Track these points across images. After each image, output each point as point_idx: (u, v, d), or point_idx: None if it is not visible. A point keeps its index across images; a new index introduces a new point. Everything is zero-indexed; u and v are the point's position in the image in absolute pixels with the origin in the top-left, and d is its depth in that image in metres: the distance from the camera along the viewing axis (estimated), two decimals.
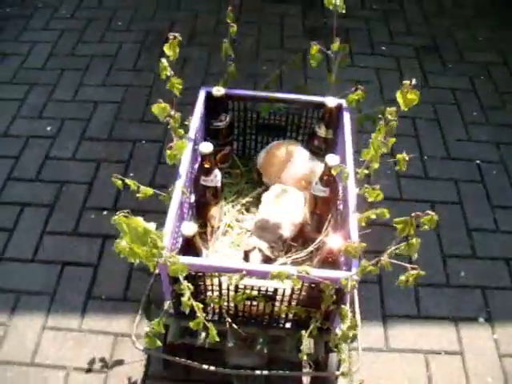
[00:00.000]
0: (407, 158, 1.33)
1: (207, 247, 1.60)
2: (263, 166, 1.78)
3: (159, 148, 2.50)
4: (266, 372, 1.45)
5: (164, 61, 1.35)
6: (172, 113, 1.39)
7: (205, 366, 1.45)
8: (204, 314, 1.25)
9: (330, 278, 1.24)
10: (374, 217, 1.27)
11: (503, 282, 2.08)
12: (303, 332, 1.35)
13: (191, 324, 1.26)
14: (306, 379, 1.77)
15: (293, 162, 1.70)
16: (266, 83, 1.78)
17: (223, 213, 1.73)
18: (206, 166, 1.53)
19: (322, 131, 1.70)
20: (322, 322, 1.39)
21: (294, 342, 1.45)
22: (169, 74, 1.37)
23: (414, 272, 1.12)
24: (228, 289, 1.35)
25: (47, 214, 2.25)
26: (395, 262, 1.12)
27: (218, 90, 1.65)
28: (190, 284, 1.23)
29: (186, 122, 1.59)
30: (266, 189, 1.73)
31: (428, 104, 2.78)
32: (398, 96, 1.21)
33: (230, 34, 1.61)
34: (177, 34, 1.33)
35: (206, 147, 1.49)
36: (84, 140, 2.55)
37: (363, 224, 1.33)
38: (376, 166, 1.37)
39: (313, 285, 1.29)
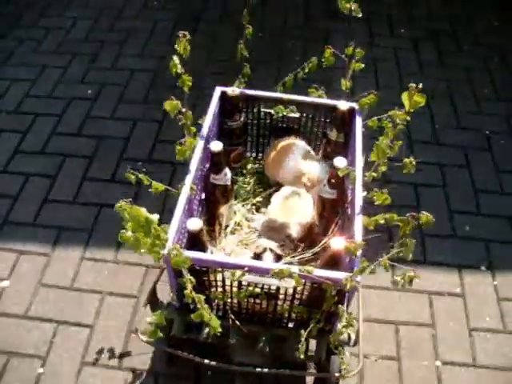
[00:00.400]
0: (414, 163, 1.35)
1: (215, 244, 1.62)
2: (266, 162, 1.84)
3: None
4: (265, 370, 1.47)
5: (175, 58, 1.36)
6: (183, 110, 1.41)
7: (207, 361, 1.47)
8: (206, 306, 1.25)
9: (331, 278, 1.25)
10: (382, 221, 1.25)
11: (505, 236, 2.23)
12: (302, 331, 1.38)
13: (193, 316, 1.25)
14: (309, 379, 1.80)
15: (289, 159, 1.74)
16: (283, 83, 1.76)
17: (233, 212, 1.74)
18: (216, 164, 1.55)
19: (333, 134, 1.71)
20: (324, 323, 1.41)
21: (296, 342, 1.43)
22: (179, 71, 1.38)
23: (411, 274, 1.16)
24: (231, 285, 1.36)
25: (87, 164, 2.47)
26: (393, 263, 1.21)
27: (233, 91, 1.67)
28: (192, 277, 1.22)
29: (200, 121, 1.61)
30: (277, 189, 1.75)
31: (443, 81, 2.95)
32: (404, 97, 1.22)
33: (246, 36, 1.60)
34: (186, 33, 1.35)
35: (217, 145, 1.51)
36: (122, 102, 2.78)
37: (371, 228, 1.31)
38: (383, 169, 1.38)
39: (315, 285, 1.30)
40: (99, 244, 2.17)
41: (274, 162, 1.77)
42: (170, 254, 1.20)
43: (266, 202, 1.75)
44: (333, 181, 1.48)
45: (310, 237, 1.63)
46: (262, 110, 1.80)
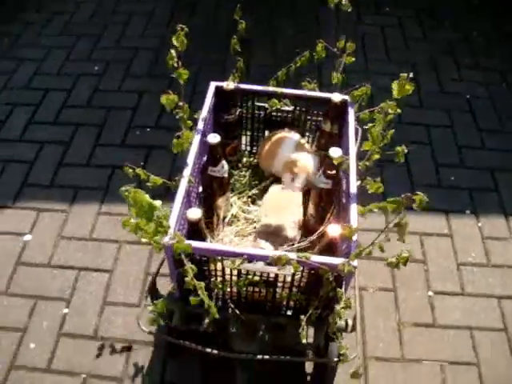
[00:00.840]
0: (406, 151, 1.41)
1: (213, 236, 1.64)
2: (260, 155, 1.85)
3: (193, 85, 2.89)
4: (266, 357, 1.48)
5: (172, 51, 1.36)
6: (180, 103, 1.42)
7: (208, 350, 1.49)
8: (206, 293, 1.25)
9: (327, 263, 1.27)
10: (376, 210, 1.24)
11: (487, 184, 2.45)
12: (302, 317, 1.39)
13: (191, 299, 1.25)
14: (308, 366, 1.85)
15: (281, 150, 1.76)
16: (275, 78, 1.76)
17: (230, 204, 1.76)
18: (214, 156, 1.56)
19: (327, 126, 1.73)
20: (322, 310, 1.42)
21: (294, 329, 1.44)
22: (175, 64, 1.38)
23: (405, 255, 1.18)
24: (231, 274, 1.38)
25: (98, 131, 2.64)
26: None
27: (228, 85, 1.68)
28: (193, 266, 1.23)
29: (196, 116, 1.62)
30: (272, 181, 1.80)
31: (426, 53, 3.17)
32: (394, 85, 1.27)
33: (239, 31, 1.60)
34: (184, 26, 1.37)
35: (214, 138, 1.53)
36: (128, 77, 2.95)
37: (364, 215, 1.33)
38: (377, 156, 1.42)
39: (312, 271, 1.32)
40: (114, 200, 2.34)
41: (268, 155, 1.81)
42: (171, 240, 1.21)
43: (262, 194, 1.79)
44: (328, 171, 1.51)
45: (306, 227, 1.66)
46: (257, 103, 1.82)
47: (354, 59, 1.67)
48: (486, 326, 1.97)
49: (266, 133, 1.89)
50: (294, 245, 1.57)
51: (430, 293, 2.05)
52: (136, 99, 2.80)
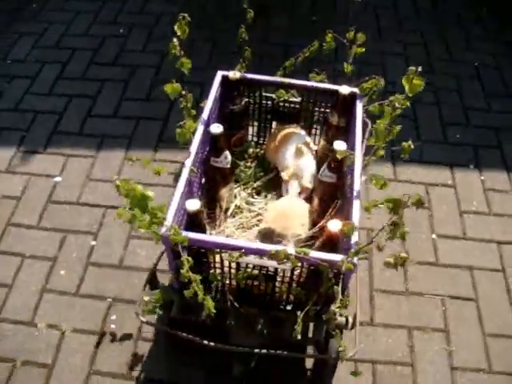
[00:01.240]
0: (412, 146, 1.40)
1: (214, 227, 1.62)
2: (267, 147, 1.85)
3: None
4: (264, 351, 1.46)
5: (175, 40, 1.36)
6: (183, 92, 1.42)
7: (206, 342, 1.47)
8: (201, 286, 1.24)
9: (327, 259, 1.24)
10: (381, 206, 1.21)
11: (491, 142, 2.58)
12: (298, 312, 1.36)
13: (185, 293, 1.24)
14: (308, 361, 1.84)
15: (286, 149, 1.73)
16: (283, 68, 1.74)
17: (233, 195, 1.74)
18: (216, 147, 1.55)
19: (334, 119, 1.69)
20: (322, 306, 1.41)
21: (294, 324, 1.39)
22: (178, 53, 1.38)
23: (403, 255, 1.16)
24: (230, 267, 1.36)
25: (123, 87, 2.80)
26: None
27: (234, 74, 1.66)
28: (190, 258, 1.22)
29: (202, 104, 1.62)
30: (278, 173, 1.77)
31: (435, 24, 3.30)
32: (404, 81, 1.24)
33: (247, 19, 1.59)
34: (185, 15, 1.37)
35: (217, 128, 1.51)
36: (151, 40, 3.10)
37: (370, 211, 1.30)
38: (381, 153, 1.42)
39: (312, 267, 1.30)
40: (139, 147, 2.50)
41: (274, 149, 1.79)
42: (168, 232, 1.21)
43: (267, 185, 1.78)
44: (332, 164, 1.49)
45: (311, 221, 1.63)
46: (264, 94, 1.79)
47: (364, 50, 1.62)
48: (485, 267, 2.10)
49: (274, 124, 1.88)
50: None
51: (434, 236, 2.19)
52: (159, 59, 2.95)
